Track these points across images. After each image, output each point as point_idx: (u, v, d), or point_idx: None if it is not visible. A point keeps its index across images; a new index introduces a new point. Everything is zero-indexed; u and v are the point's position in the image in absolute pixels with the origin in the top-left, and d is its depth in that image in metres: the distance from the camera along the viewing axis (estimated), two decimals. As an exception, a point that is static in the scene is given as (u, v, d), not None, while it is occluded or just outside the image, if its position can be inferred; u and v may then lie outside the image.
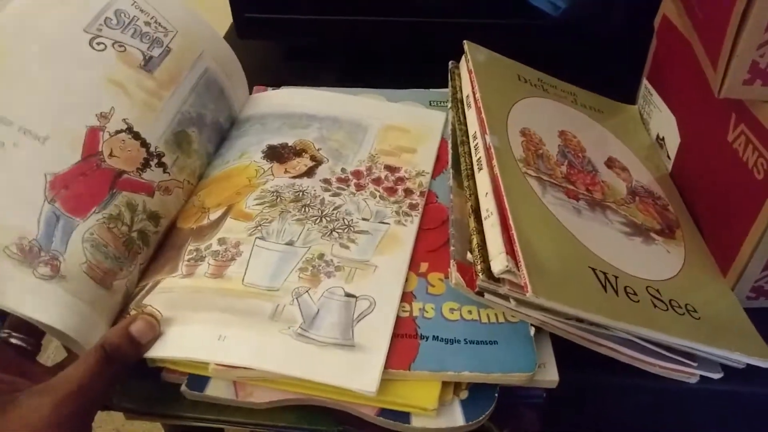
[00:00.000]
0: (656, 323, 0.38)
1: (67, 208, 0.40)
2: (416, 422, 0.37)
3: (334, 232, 0.45)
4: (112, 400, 0.39)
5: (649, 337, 0.38)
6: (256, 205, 0.47)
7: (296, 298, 0.40)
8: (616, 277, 0.40)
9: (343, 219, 0.46)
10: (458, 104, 0.52)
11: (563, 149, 0.50)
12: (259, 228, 0.45)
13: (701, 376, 0.40)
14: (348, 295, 0.41)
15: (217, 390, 0.38)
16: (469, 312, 0.41)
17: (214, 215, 0.47)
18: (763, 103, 0.40)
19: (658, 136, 0.56)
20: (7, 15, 0.44)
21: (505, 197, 0.40)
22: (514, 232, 0.38)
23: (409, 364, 0.37)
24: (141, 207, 0.44)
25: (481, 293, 0.38)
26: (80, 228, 0.40)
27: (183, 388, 0.38)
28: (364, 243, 0.45)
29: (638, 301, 0.39)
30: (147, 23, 0.50)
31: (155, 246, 0.46)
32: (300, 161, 0.51)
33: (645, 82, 0.58)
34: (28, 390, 0.34)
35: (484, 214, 0.41)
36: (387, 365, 0.37)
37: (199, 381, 0.38)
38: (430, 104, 0.59)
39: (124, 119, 0.45)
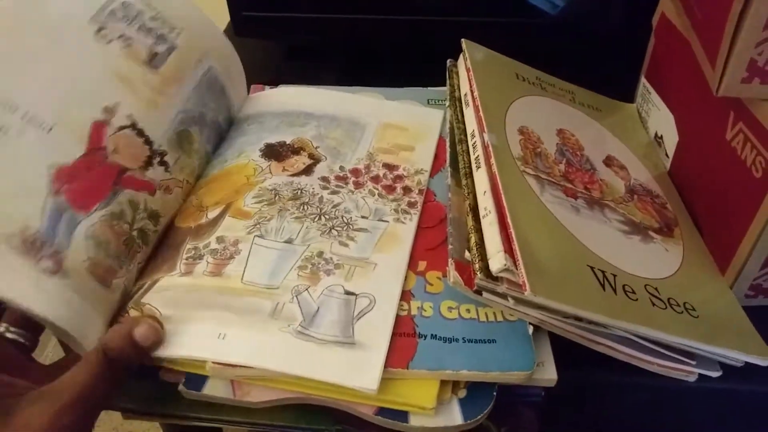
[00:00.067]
0: (655, 322, 0.38)
1: (72, 202, 0.40)
2: (414, 421, 0.37)
3: (333, 230, 0.45)
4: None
5: (647, 336, 0.38)
6: (255, 203, 0.47)
7: (296, 296, 0.40)
8: (615, 276, 0.40)
9: (342, 217, 0.46)
10: (456, 103, 0.52)
11: (561, 148, 0.50)
12: (258, 226, 0.45)
13: (700, 374, 0.40)
14: (348, 292, 0.41)
15: (214, 389, 0.38)
16: (468, 311, 0.41)
17: (212, 214, 0.47)
18: (761, 102, 0.40)
19: (656, 135, 0.56)
20: None
21: (503, 196, 0.40)
22: (512, 230, 0.38)
23: (408, 363, 0.37)
24: (142, 206, 0.44)
25: (479, 292, 0.38)
26: (84, 223, 0.40)
27: (180, 387, 0.38)
28: (363, 241, 0.45)
29: (637, 300, 0.39)
30: (153, 18, 0.49)
31: (153, 245, 0.46)
32: (298, 159, 0.51)
33: (643, 80, 0.58)
34: (29, 394, 0.33)
35: (482, 212, 0.41)
36: (385, 364, 0.37)
37: (196, 380, 0.38)
38: (428, 102, 0.59)
39: (129, 115, 0.45)
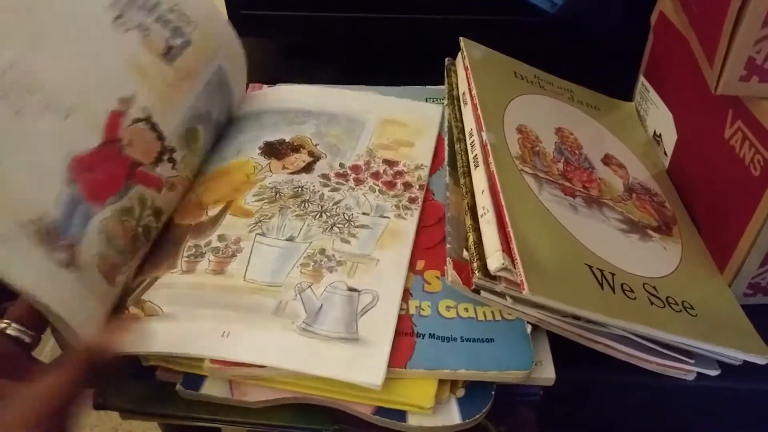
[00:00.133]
0: (653, 320, 0.38)
1: (86, 194, 0.39)
2: (413, 420, 0.37)
3: (334, 227, 0.45)
4: (106, 400, 0.39)
5: (646, 335, 0.38)
6: (256, 201, 0.47)
7: (299, 294, 0.41)
8: (613, 275, 0.40)
9: (343, 214, 0.46)
10: (454, 101, 0.52)
11: (560, 146, 0.50)
12: (259, 224, 0.45)
13: (698, 373, 0.40)
14: (351, 289, 0.41)
15: (212, 389, 0.38)
16: (466, 310, 0.40)
17: (212, 212, 0.47)
18: (759, 100, 0.40)
19: (655, 133, 0.56)
20: None
21: (501, 194, 0.40)
22: (510, 229, 0.38)
23: (406, 363, 0.37)
24: (149, 202, 0.44)
25: (477, 291, 0.38)
26: (97, 217, 0.39)
27: (178, 387, 0.38)
28: (364, 237, 0.45)
29: (635, 299, 0.39)
30: (171, 10, 0.48)
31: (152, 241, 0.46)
32: (298, 157, 0.51)
33: (642, 78, 0.58)
34: (6, 403, 0.33)
35: (480, 211, 0.41)
36: (384, 362, 0.37)
37: (194, 380, 0.38)
38: (427, 101, 0.59)
39: (144, 108, 0.44)
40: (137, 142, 0.43)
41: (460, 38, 0.54)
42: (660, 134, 0.54)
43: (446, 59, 0.56)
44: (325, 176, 0.50)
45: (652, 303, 0.40)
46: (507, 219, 0.39)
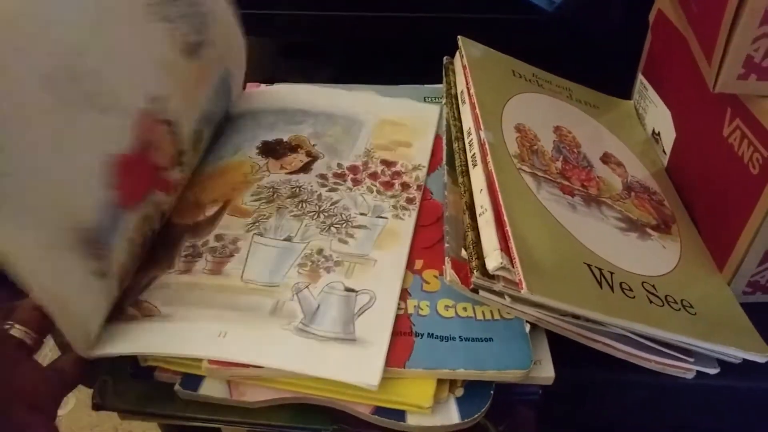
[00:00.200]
0: (652, 319, 0.38)
1: (120, 199, 0.36)
2: (411, 420, 0.37)
3: (332, 228, 0.45)
4: (105, 401, 0.39)
5: (645, 333, 0.38)
6: (253, 201, 0.47)
7: (296, 294, 0.40)
8: (612, 273, 0.40)
9: (341, 214, 0.46)
10: (453, 100, 0.52)
11: (558, 145, 0.50)
12: (257, 224, 0.45)
13: (698, 371, 0.40)
14: (348, 289, 0.41)
15: (210, 389, 0.38)
16: (464, 309, 0.40)
17: (209, 211, 0.46)
18: (758, 98, 0.40)
19: (653, 131, 0.55)
20: None
21: (499, 193, 0.40)
22: (508, 228, 0.38)
23: (404, 362, 0.37)
24: (162, 207, 0.43)
25: (475, 290, 0.38)
26: (125, 224, 0.37)
27: (176, 387, 0.38)
28: (362, 237, 0.45)
29: (634, 297, 0.39)
30: (190, 4, 0.45)
31: None
32: (295, 157, 0.51)
33: (640, 77, 0.58)
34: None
35: (478, 210, 0.41)
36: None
37: (192, 380, 0.38)
38: (425, 100, 0.59)
39: (169, 109, 0.41)
40: (160, 145, 0.41)
41: (458, 37, 0.54)
42: (659, 132, 0.54)
43: (444, 58, 0.56)
44: (322, 176, 0.50)
45: (651, 302, 0.39)
46: (505, 218, 0.39)
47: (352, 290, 0.41)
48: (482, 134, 0.45)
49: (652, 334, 0.38)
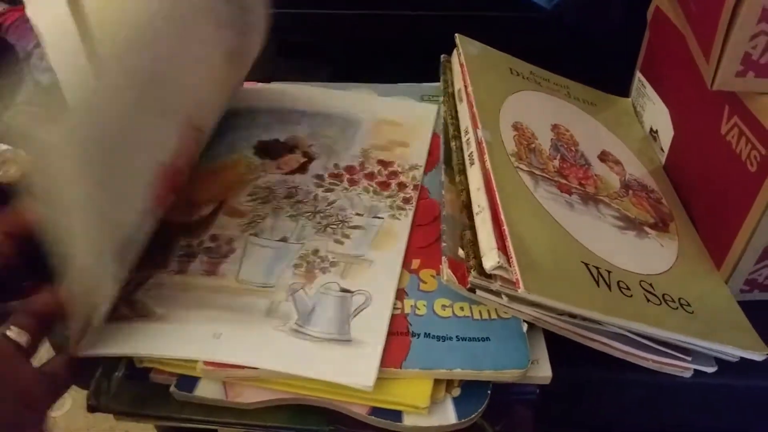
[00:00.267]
0: (649, 318, 0.38)
1: (152, 205, 0.35)
2: (408, 420, 0.37)
3: (328, 228, 0.45)
4: (100, 402, 0.39)
5: (642, 332, 0.38)
6: (249, 201, 0.47)
7: (291, 295, 0.40)
8: (609, 272, 0.40)
9: (337, 214, 0.46)
10: (450, 98, 0.52)
11: (556, 143, 0.49)
12: (252, 225, 0.45)
13: (695, 370, 0.40)
14: (343, 290, 0.41)
15: (206, 390, 0.38)
16: (461, 309, 0.40)
17: (204, 211, 0.46)
18: (756, 95, 0.39)
19: (651, 129, 0.55)
20: None
21: (496, 192, 0.40)
22: (505, 227, 0.38)
23: (401, 363, 0.37)
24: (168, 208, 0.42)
25: (473, 290, 0.38)
26: (148, 227, 0.36)
27: (172, 388, 0.38)
28: (358, 238, 0.44)
29: (631, 296, 0.39)
30: (241, 8, 0.43)
31: None
32: (292, 157, 0.51)
33: (638, 74, 0.58)
34: None
35: (475, 209, 0.41)
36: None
37: (188, 381, 0.38)
38: (422, 99, 0.59)
39: (202, 116, 0.39)
40: (188, 152, 0.40)
41: (456, 35, 0.54)
42: (656, 130, 0.54)
43: (442, 56, 0.56)
44: (319, 177, 0.49)
45: (648, 300, 0.39)
46: (502, 217, 0.39)
47: (348, 291, 0.41)
48: (479, 133, 0.45)
49: (649, 333, 0.38)
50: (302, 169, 0.50)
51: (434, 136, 0.54)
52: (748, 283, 0.44)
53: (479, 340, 0.38)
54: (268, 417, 0.38)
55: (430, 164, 0.51)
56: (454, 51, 0.55)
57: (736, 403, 0.44)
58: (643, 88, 0.57)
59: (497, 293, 0.37)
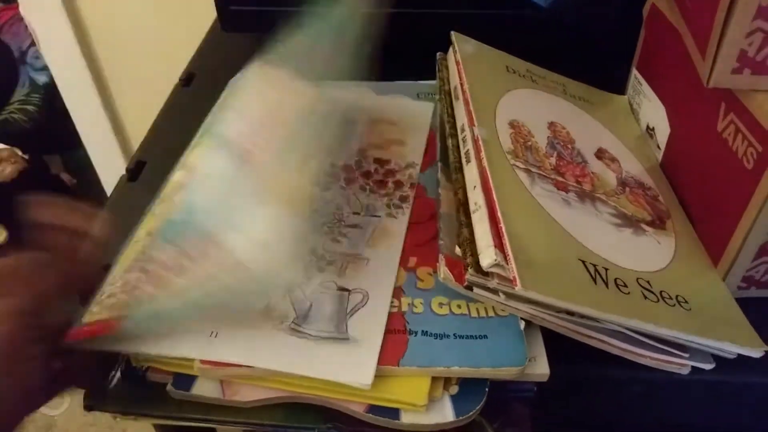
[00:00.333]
0: (647, 315, 0.38)
1: None
2: (406, 418, 0.37)
3: (324, 227, 0.45)
4: (97, 402, 0.39)
5: (639, 329, 0.38)
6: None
7: (288, 293, 0.40)
8: (606, 269, 0.40)
9: (334, 213, 0.46)
10: (446, 96, 0.52)
11: (552, 141, 0.49)
12: None
13: (693, 366, 0.40)
14: (341, 288, 0.41)
15: (203, 389, 0.38)
16: (459, 306, 0.40)
17: None
18: (752, 92, 0.39)
19: (647, 126, 0.55)
20: None
21: (493, 190, 0.40)
22: (502, 225, 0.38)
23: (398, 360, 0.37)
24: None
25: (470, 287, 0.38)
26: None
27: (169, 387, 0.38)
28: (355, 236, 0.44)
29: (628, 293, 0.39)
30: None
31: None
32: (289, 156, 0.51)
33: (634, 71, 0.58)
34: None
35: (472, 207, 0.41)
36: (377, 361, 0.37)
37: (185, 380, 0.38)
38: (418, 96, 0.59)
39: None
40: None
41: (451, 32, 0.54)
42: (653, 128, 0.54)
43: (437, 54, 0.56)
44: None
45: (645, 297, 0.39)
46: (499, 215, 0.38)
47: (345, 289, 0.41)
48: (476, 130, 0.45)
49: (647, 330, 0.38)
50: (299, 167, 0.50)
51: (431, 133, 0.54)
52: (745, 280, 0.44)
53: (477, 338, 0.38)
54: (265, 415, 0.38)
55: (427, 162, 0.51)
56: (450, 49, 0.54)
57: (733, 400, 0.44)
58: (639, 86, 0.57)
59: (494, 291, 0.37)
